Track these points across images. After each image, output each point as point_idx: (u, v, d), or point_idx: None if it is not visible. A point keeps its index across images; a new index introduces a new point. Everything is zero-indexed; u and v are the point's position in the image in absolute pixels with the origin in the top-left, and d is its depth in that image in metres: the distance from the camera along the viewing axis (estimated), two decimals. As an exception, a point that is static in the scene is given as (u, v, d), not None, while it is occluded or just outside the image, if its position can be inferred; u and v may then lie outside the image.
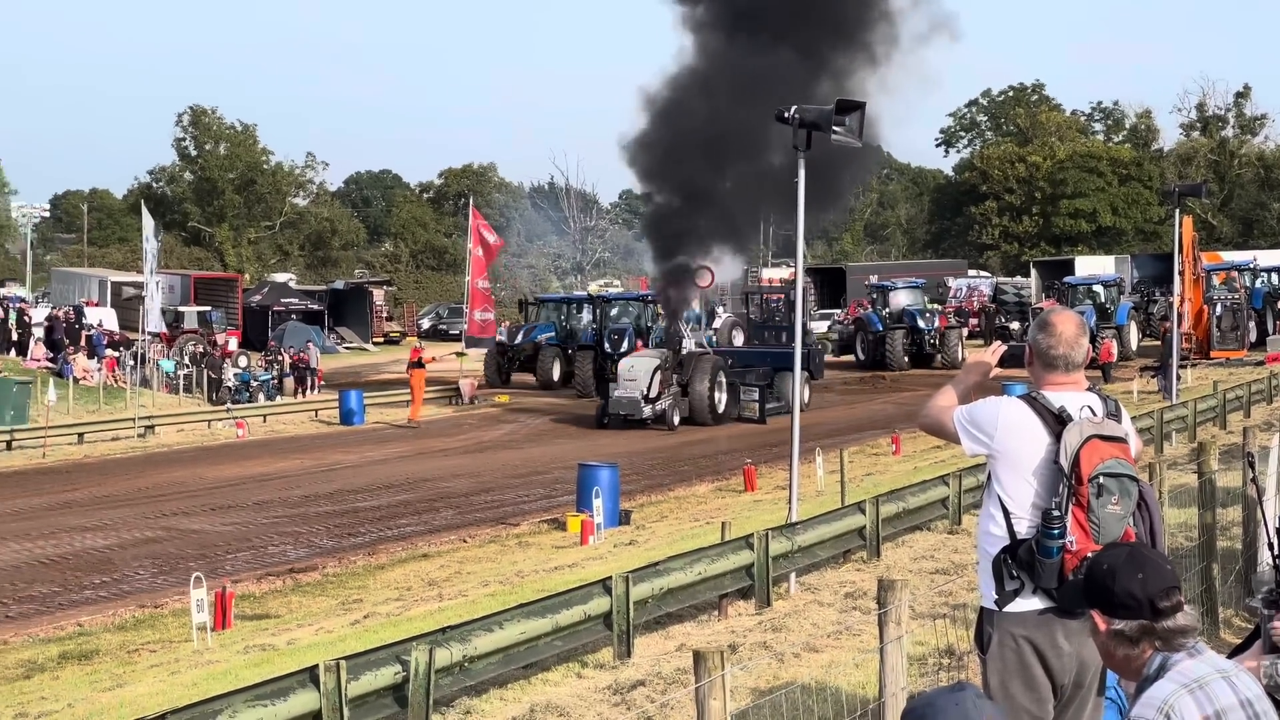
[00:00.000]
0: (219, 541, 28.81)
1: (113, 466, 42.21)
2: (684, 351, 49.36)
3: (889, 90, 50.94)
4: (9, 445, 44.65)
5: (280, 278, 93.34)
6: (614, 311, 62.68)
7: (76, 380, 55.10)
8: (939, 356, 67.88)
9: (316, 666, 12.49)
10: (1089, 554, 6.79)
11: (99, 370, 57.64)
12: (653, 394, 46.96)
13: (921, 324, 69.09)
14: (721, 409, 48.79)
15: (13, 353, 59.70)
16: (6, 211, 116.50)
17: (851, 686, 12.40)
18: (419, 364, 53.30)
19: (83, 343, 60.75)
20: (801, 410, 48.61)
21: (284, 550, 27.98)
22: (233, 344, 65.83)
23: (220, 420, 52.73)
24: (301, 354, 64.82)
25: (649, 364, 47.73)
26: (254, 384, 58.98)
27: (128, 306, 69.43)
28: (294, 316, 79.09)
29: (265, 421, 53.71)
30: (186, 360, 61.07)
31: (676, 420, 47.20)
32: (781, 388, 50.25)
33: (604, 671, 15.91)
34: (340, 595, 23.37)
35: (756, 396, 49.34)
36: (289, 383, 60.74)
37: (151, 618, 22.05)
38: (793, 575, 19.22)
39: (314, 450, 45.56)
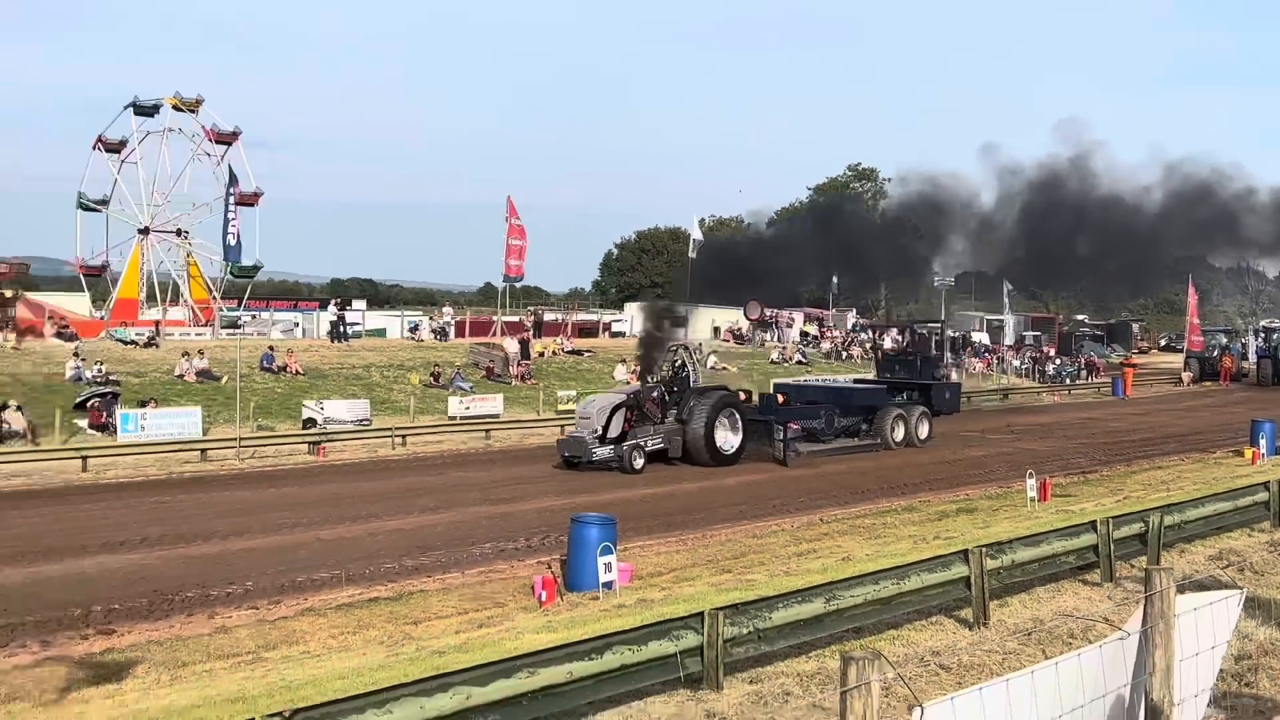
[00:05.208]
0: (1043, 454, 30.02)
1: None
2: (692, 385, 31.05)
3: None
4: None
5: (1079, 316, 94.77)
6: (1276, 336, 61.75)
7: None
8: None
9: (1095, 521, 14.19)
10: None
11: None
12: (612, 434, 29.39)
13: None
14: (731, 449, 30.16)
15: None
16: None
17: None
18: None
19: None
20: (913, 445, 33.34)
21: (1079, 462, 29.15)
22: (1051, 351, 68.75)
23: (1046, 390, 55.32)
24: (1091, 358, 67.29)
25: (608, 402, 30.27)
26: (1064, 371, 61.64)
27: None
28: (1087, 337, 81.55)
29: (1069, 393, 55.01)
30: (1027, 359, 63.48)
31: (639, 465, 28.67)
32: (880, 425, 33.75)
33: (1264, 534, 16.79)
34: (1109, 486, 24.46)
35: (782, 436, 30.39)
36: (1083, 374, 62.74)
37: (1006, 493, 23.63)
38: None
39: (1092, 409, 46.61)
